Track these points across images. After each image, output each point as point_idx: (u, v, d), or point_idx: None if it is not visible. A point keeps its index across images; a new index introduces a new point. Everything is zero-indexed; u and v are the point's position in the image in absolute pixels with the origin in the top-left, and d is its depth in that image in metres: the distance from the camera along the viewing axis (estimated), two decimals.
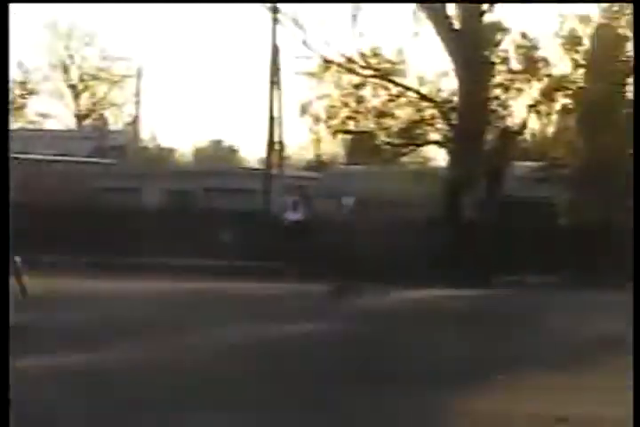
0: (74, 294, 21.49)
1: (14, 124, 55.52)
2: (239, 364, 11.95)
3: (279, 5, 35.27)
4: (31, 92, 60.13)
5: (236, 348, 13.90)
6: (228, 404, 9.40)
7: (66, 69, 59.36)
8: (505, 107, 35.66)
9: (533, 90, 35.82)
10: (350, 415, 9.00)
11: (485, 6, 33.30)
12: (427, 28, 33.58)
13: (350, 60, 34.74)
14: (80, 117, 59.78)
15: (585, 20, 34.67)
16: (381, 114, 36.03)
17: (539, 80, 35.52)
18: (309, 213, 31.49)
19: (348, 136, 41.15)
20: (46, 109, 60.51)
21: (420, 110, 35.77)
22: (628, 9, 33.98)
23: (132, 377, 10.79)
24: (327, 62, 34.80)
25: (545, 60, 35.19)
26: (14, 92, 56.36)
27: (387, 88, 35.77)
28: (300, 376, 11.09)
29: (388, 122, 36.26)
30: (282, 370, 11.68)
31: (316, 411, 9.11)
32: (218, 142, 66.98)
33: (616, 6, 34.47)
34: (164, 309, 18.86)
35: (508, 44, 35.19)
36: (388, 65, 35.38)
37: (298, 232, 30.14)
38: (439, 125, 35.52)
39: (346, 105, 35.96)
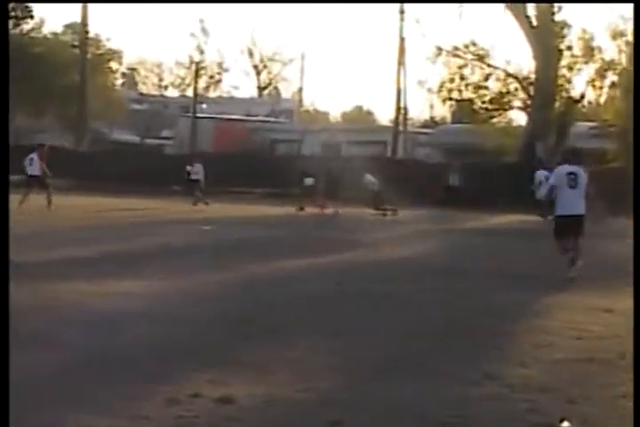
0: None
1: (213, 94, 71.48)
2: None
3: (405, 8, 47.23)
4: (225, 70, 77.42)
5: None
6: None
7: (251, 54, 74.99)
8: (569, 82, 46.30)
9: (590, 70, 46.47)
10: None
11: (556, 8, 43.84)
12: (512, 24, 43.99)
13: (456, 48, 46.60)
14: (260, 88, 75.32)
15: (627, 18, 43.75)
16: (478, 87, 47.49)
17: (594, 62, 46.12)
18: None
19: (454, 103, 51.99)
20: (236, 83, 75.50)
21: (506, 84, 46.97)
22: None
23: None
24: (439, 49, 46.65)
25: (598, 48, 45.94)
26: (213, 70, 72.38)
27: (482, 68, 47.24)
28: None
29: (482, 93, 47.60)
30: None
31: None
32: (359, 107, 79.27)
33: None
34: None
35: (571, 36, 46.06)
36: (482, 51, 46.73)
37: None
38: (521, 95, 46.52)
39: (452, 80, 47.58)
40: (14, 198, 21.62)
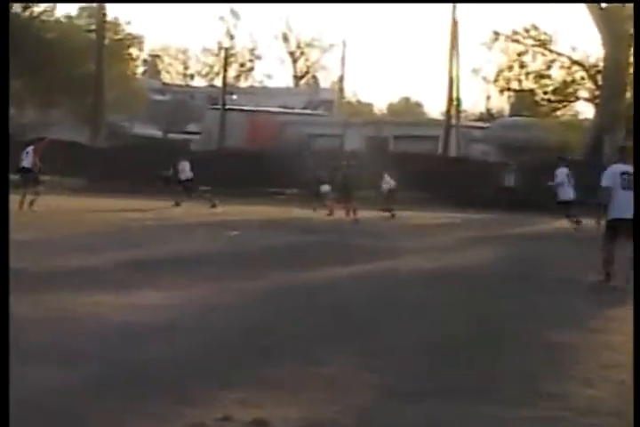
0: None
1: (244, 83, 71.99)
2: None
3: None
4: (258, 57, 77.24)
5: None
6: None
7: (286, 39, 74.86)
8: None
9: None
10: None
11: None
12: (579, 6, 45.13)
13: (515, 33, 46.78)
14: (296, 78, 75.25)
15: None
16: (540, 76, 47.53)
17: None
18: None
19: (513, 93, 51.96)
20: (269, 71, 76.50)
21: (571, 73, 47.03)
22: None
23: None
24: (496, 34, 46.95)
25: None
26: (244, 57, 72.85)
27: (544, 55, 47.32)
28: None
29: (545, 82, 47.63)
30: None
31: None
32: (407, 98, 79.71)
33: None
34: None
35: None
36: (545, 36, 46.78)
37: None
38: (587, 85, 46.71)
39: (510, 68, 47.68)
40: (17, 200, 22.22)
